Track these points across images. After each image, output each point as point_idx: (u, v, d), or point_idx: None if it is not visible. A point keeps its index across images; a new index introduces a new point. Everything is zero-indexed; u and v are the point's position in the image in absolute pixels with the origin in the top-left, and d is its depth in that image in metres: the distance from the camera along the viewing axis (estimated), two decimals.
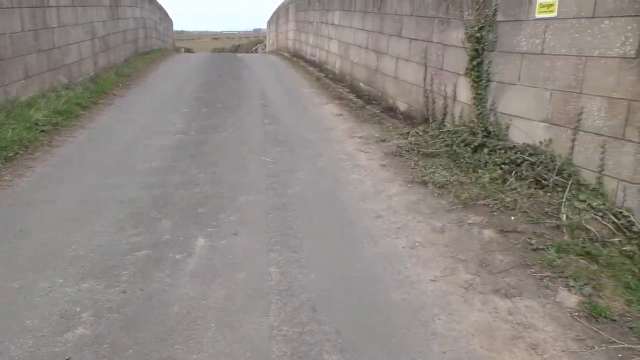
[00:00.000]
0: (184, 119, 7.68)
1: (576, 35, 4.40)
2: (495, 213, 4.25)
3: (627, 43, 3.93)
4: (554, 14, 4.62)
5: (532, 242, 3.76)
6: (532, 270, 3.44)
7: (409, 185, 4.95)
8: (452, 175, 4.98)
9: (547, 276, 3.35)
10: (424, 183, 4.93)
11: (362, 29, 9.95)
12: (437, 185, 4.82)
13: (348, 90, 10.04)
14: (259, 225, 4.07)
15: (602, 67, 4.16)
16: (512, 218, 4.17)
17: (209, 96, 9.67)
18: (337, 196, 4.74)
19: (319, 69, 12.98)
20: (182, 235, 3.87)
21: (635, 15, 3.85)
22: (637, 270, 3.60)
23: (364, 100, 9.02)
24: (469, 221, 4.14)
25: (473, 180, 4.83)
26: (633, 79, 3.91)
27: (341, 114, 8.23)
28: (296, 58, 15.83)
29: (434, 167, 5.29)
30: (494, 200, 4.42)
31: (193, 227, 4.01)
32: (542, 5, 4.73)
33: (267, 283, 3.23)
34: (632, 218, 3.93)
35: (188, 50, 33.20)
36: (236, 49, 41.07)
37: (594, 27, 4.21)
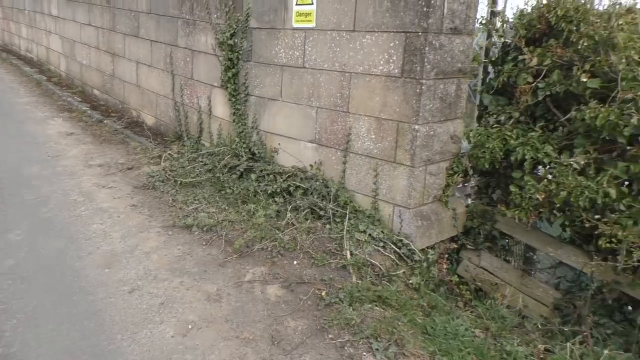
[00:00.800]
0: None
1: (337, 49, 4.03)
2: (276, 259, 3.64)
3: (391, 61, 3.68)
4: (313, 24, 4.17)
5: (323, 294, 3.27)
6: (331, 336, 2.92)
7: (170, 232, 3.99)
8: (219, 213, 4.21)
9: (347, 341, 2.88)
10: (188, 227, 4.03)
11: (90, 25, 8.30)
12: (204, 229, 3.99)
13: (80, 99, 8.28)
14: None
15: (367, 85, 3.87)
16: (295, 263, 3.62)
17: None
18: (73, 265, 3.50)
19: (38, 69, 10.62)
20: None
21: (397, 32, 3.61)
22: (425, 304, 3.45)
23: (101, 113, 7.49)
24: (248, 277, 3.44)
25: (245, 217, 4.14)
26: (399, 99, 3.69)
27: (72, 133, 6.60)
28: (6, 53, 12.80)
29: (196, 202, 4.43)
30: (272, 241, 3.80)
31: None
32: (300, 14, 4.25)
33: None
34: (412, 246, 3.77)
35: None
36: None
37: (356, 41, 3.88)
